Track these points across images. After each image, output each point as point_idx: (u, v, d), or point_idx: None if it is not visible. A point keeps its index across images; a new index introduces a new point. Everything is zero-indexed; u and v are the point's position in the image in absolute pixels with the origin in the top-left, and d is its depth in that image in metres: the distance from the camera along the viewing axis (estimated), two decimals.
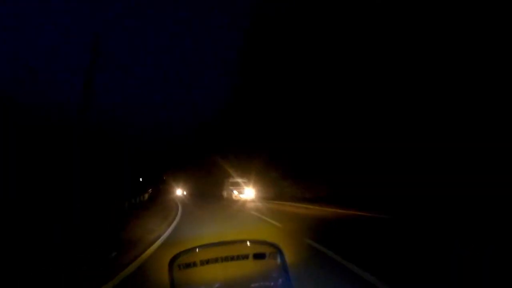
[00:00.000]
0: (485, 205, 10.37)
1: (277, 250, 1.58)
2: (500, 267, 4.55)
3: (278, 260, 1.58)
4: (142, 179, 40.33)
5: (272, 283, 1.66)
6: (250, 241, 1.67)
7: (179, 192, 48.46)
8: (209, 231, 9.05)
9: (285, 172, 27.68)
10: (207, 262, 1.62)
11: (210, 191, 38.23)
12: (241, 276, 1.68)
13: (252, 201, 22.54)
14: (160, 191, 45.06)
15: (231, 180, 25.52)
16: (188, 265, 1.61)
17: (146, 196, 27.72)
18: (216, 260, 1.62)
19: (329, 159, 21.64)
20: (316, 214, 13.35)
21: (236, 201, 22.17)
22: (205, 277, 1.66)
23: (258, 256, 1.60)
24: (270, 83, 29.07)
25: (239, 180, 24.97)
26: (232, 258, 1.62)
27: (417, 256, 5.41)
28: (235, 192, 23.66)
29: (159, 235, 8.33)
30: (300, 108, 25.03)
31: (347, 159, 19.76)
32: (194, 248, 1.68)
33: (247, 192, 23.69)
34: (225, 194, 26.27)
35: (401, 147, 15.35)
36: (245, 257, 1.61)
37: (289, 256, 1.62)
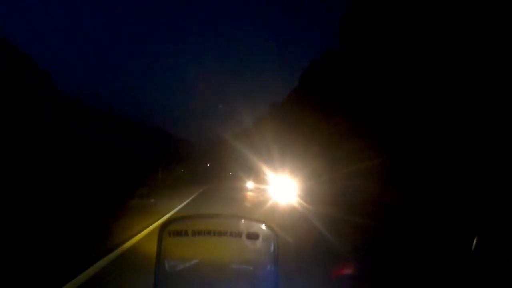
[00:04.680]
0: None
1: (273, 233, 1.54)
2: None
3: (271, 245, 1.54)
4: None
5: (258, 267, 1.62)
6: (246, 219, 1.62)
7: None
8: None
9: None
10: (199, 233, 1.57)
11: None
12: (228, 255, 1.64)
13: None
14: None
15: None
16: (179, 233, 1.56)
17: None
18: (208, 233, 1.57)
19: None
20: None
21: None
22: (193, 248, 1.61)
23: (252, 237, 1.56)
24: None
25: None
26: (225, 234, 1.57)
27: None
28: None
29: None
30: None
31: None
32: (188, 216, 1.62)
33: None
34: None
35: None
36: (238, 235, 1.56)
37: None
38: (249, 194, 20.18)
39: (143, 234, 6.76)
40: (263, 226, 1.56)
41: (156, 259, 1.53)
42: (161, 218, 9.00)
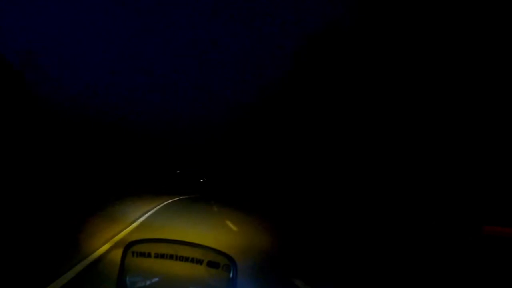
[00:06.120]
0: None
1: (232, 264, 1.63)
2: None
3: (230, 274, 1.63)
4: None
5: None
6: (208, 248, 1.71)
7: None
8: None
9: None
10: (162, 256, 1.65)
11: None
12: (188, 278, 1.70)
13: None
14: None
15: None
16: (142, 254, 1.63)
17: None
18: (170, 257, 1.65)
19: None
20: None
21: None
22: (154, 269, 1.67)
23: (212, 265, 1.64)
24: None
25: None
26: (186, 259, 1.65)
27: None
28: None
29: None
30: None
31: None
32: (153, 239, 1.69)
33: None
34: None
35: None
36: (200, 262, 1.65)
37: None
38: None
39: None
40: (224, 256, 1.65)
41: (118, 276, 1.64)
42: None
